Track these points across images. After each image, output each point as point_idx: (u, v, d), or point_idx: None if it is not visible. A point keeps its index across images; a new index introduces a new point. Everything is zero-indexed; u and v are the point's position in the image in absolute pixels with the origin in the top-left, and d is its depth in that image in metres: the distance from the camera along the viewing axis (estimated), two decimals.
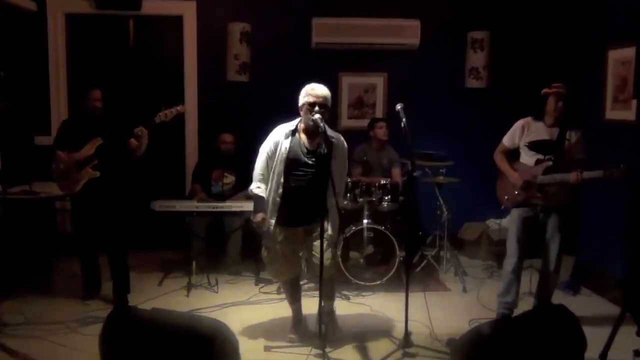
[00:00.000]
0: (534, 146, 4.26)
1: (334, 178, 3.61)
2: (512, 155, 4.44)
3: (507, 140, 4.42)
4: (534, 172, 4.21)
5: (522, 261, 4.34)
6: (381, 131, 5.56)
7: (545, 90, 4.23)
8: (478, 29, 6.08)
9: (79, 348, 3.78)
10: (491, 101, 6.09)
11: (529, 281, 4.78)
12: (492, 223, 6.04)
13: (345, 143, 3.94)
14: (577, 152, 4.20)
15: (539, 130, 4.26)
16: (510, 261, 4.34)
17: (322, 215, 3.57)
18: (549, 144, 4.21)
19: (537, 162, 4.22)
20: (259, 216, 3.83)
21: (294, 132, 3.84)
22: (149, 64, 6.15)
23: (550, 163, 4.17)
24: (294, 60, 6.02)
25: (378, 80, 6.26)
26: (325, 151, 3.66)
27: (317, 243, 3.73)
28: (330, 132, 3.75)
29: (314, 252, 3.81)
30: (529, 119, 4.32)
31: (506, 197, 4.37)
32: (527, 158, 4.30)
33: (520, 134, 4.33)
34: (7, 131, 5.30)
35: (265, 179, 3.88)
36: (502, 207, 4.46)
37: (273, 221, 3.81)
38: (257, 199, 3.89)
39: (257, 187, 3.88)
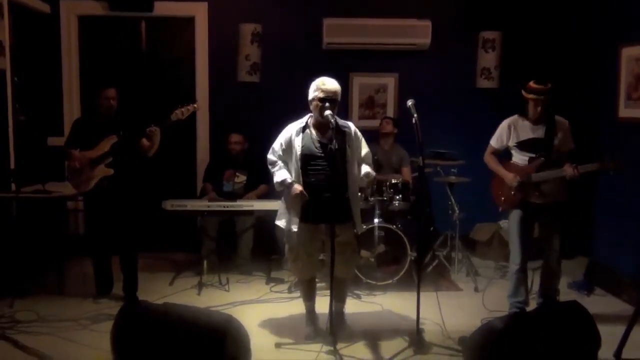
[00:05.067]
0: (523, 146, 4.25)
1: (355, 166, 3.81)
2: (505, 156, 4.43)
3: (495, 142, 4.41)
4: (528, 170, 4.21)
5: (526, 260, 4.32)
6: (383, 125, 5.65)
7: (524, 94, 4.18)
8: (489, 29, 6.07)
9: (90, 345, 3.79)
10: (503, 101, 6.00)
11: (531, 282, 4.69)
12: (504, 224, 5.95)
13: (357, 130, 3.96)
14: (567, 143, 4.19)
15: (526, 130, 4.24)
16: (515, 261, 4.33)
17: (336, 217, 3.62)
18: (538, 142, 4.20)
19: (530, 160, 4.23)
20: (295, 190, 3.75)
21: (304, 128, 3.87)
22: (161, 65, 6.19)
23: (543, 159, 4.17)
24: (304, 60, 6.03)
25: (389, 81, 6.25)
26: (338, 146, 3.67)
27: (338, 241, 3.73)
28: (341, 122, 3.83)
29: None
30: (515, 117, 4.30)
31: (503, 199, 4.36)
32: (519, 157, 4.30)
33: (508, 134, 4.31)
34: (21, 132, 5.35)
35: (280, 160, 3.90)
36: (500, 209, 4.45)
37: (297, 219, 3.82)
38: (281, 179, 3.84)
39: (278, 170, 3.88)
